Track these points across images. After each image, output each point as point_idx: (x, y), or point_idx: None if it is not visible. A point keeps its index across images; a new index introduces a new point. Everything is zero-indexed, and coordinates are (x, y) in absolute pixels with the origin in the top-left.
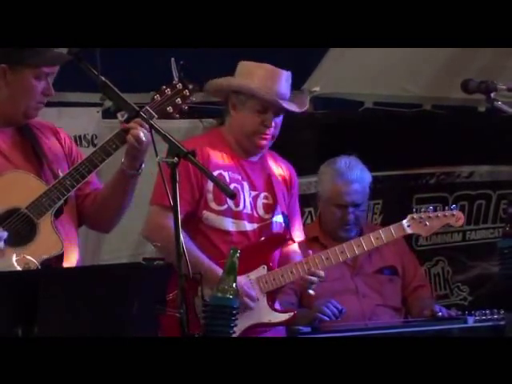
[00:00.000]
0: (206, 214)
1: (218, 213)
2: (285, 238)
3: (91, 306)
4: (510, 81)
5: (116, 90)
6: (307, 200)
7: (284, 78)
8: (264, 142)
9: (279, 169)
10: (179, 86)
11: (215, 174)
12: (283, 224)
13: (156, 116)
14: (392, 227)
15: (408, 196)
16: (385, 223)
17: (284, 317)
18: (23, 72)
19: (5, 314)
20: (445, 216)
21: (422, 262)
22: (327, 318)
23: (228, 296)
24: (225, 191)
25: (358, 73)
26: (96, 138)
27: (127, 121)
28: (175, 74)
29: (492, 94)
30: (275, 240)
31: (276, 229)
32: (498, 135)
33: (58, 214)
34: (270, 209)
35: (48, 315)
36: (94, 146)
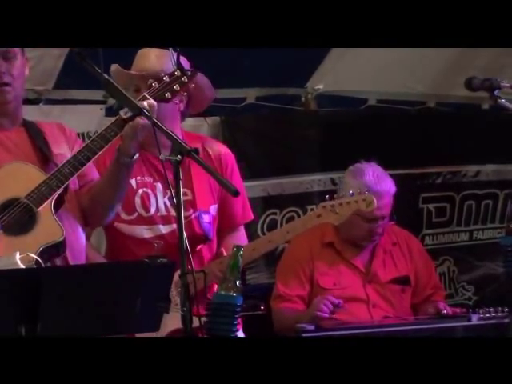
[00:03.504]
0: (118, 225)
1: (130, 222)
2: (201, 237)
3: (94, 304)
4: None
5: (119, 87)
6: (311, 198)
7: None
8: None
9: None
10: (177, 72)
11: None
12: (205, 221)
13: (154, 102)
14: (301, 219)
15: (414, 195)
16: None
17: None
18: None
19: (8, 312)
20: (356, 202)
21: None
22: (326, 315)
23: (231, 294)
24: (229, 189)
25: (362, 70)
26: None
27: (130, 119)
28: (173, 61)
29: (496, 92)
30: (192, 240)
31: (197, 226)
32: (503, 133)
33: (58, 203)
34: (190, 205)
35: (51, 313)
36: None
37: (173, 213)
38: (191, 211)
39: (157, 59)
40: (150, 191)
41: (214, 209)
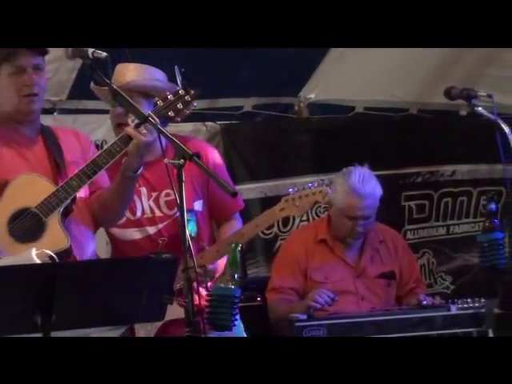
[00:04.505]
0: (112, 230)
1: (121, 226)
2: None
3: (104, 296)
4: (489, 87)
5: (127, 97)
6: None
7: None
8: None
9: None
10: (181, 92)
11: None
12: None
13: (158, 122)
14: (267, 213)
15: (397, 193)
16: (377, 220)
17: None
18: None
19: (25, 303)
20: (313, 194)
21: None
22: (319, 305)
23: (230, 286)
24: (227, 191)
25: (350, 81)
26: (106, 142)
27: (137, 126)
28: (178, 80)
29: (473, 100)
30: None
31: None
32: (478, 137)
33: (67, 212)
34: (174, 204)
35: (64, 305)
36: None
37: (157, 214)
38: (175, 210)
39: (132, 73)
40: (135, 196)
41: (198, 204)
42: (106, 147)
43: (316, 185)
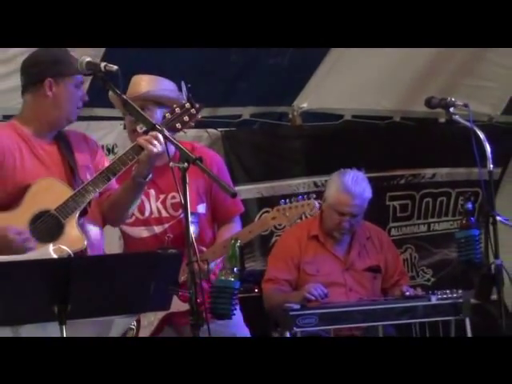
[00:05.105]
0: (122, 228)
1: (131, 224)
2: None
3: (115, 288)
4: (465, 96)
5: (136, 106)
6: None
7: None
8: None
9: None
10: (187, 105)
11: None
12: (190, 220)
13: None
14: (260, 221)
15: (382, 194)
16: (364, 218)
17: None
18: (65, 82)
19: (43, 294)
20: (302, 206)
21: None
22: (313, 298)
23: (230, 278)
24: (227, 191)
25: (339, 91)
26: (116, 146)
27: (145, 132)
28: (185, 94)
29: (451, 109)
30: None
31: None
32: (456, 142)
33: (82, 214)
34: (179, 206)
35: (79, 296)
36: (114, 153)
37: (164, 214)
38: (180, 211)
39: (147, 83)
40: (144, 197)
41: (201, 207)
42: (119, 155)
43: (305, 198)
